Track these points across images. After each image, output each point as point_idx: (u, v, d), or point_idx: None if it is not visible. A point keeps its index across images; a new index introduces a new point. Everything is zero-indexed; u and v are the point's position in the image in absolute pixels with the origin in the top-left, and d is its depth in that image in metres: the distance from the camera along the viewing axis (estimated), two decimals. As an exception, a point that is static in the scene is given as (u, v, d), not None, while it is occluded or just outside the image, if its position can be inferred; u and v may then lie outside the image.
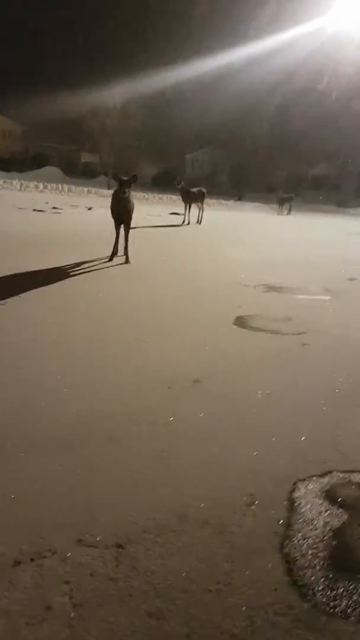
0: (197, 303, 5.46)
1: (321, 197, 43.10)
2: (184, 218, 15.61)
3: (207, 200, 20.53)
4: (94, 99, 39.35)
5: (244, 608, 1.57)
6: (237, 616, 1.54)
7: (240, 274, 7.27)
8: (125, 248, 7.38)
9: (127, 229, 7.40)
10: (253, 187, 45.61)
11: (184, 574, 1.68)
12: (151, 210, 20.65)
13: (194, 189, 16.29)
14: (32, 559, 1.69)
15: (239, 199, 40.49)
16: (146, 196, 29.07)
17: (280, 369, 3.65)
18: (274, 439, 2.60)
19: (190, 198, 15.88)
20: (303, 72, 40.52)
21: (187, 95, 40.25)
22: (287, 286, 6.71)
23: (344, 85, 41.15)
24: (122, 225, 7.41)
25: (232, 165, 50.71)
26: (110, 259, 7.32)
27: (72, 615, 1.50)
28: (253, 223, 19.92)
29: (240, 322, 4.81)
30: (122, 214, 7.30)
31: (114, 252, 7.43)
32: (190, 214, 15.75)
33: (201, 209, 16.18)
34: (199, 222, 15.78)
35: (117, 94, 39.37)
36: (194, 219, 15.71)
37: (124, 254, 7.38)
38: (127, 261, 7.27)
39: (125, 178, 7.10)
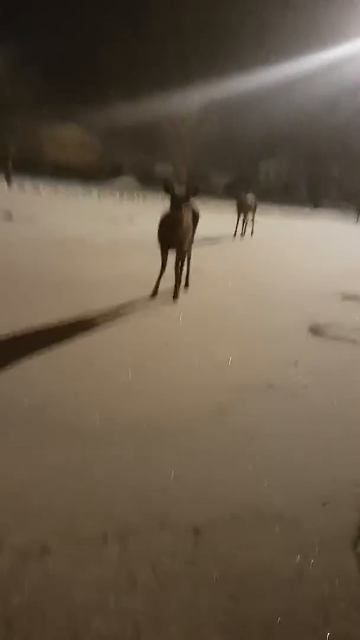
0: (272, 311, 5.48)
1: None
2: (235, 230, 13.33)
3: (283, 208, 19.83)
4: (168, 106, 39.97)
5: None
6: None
7: (316, 282, 7.20)
8: (178, 281, 5.44)
9: (182, 258, 5.45)
10: (329, 196, 44.59)
11: (261, 564, 1.77)
12: (223, 217, 20.75)
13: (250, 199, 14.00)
14: (119, 538, 1.84)
15: (315, 207, 39.72)
16: (218, 204, 29.31)
17: (355, 377, 3.63)
18: (348, 446, 2.62)
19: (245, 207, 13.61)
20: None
21: (259, 102, 40.10)
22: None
23: None
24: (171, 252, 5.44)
25: (308, 174, 49.81)
26: (153, 295, 5.39)
27: (156, 589, 1.64)
28: (330, 232, 19.50)
29: (315, 330, 4.80)
30: (171, 239, 5.26)
31: (156, 289, 5.44)
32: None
33: (252, 217, 14.16)
34: (242, 234, 13.57)
35: (190, 101, 39.83)
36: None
37: (176, 288, 5.45)
38: (176, 295, 5.41)
39: (178, 194, 5.03)
